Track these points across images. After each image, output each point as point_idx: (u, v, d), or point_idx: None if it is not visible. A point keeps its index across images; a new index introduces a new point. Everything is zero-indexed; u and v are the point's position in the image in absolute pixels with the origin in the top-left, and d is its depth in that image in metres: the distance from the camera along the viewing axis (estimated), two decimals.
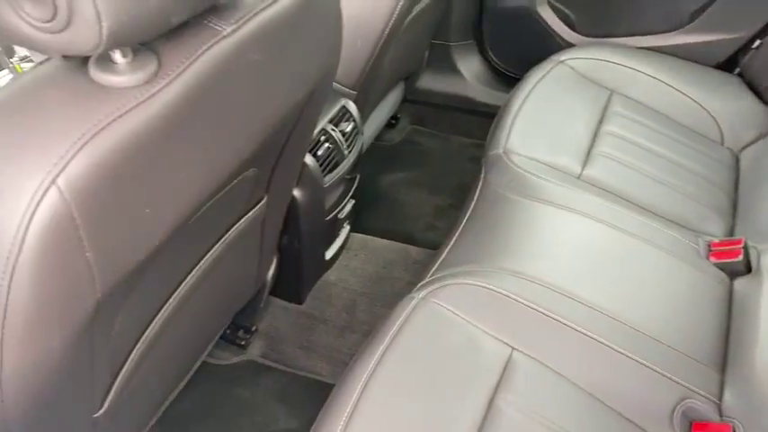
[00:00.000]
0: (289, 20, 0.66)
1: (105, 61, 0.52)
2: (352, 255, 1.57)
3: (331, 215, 1.30)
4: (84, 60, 0.53)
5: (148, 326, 0.80)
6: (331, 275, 1.52)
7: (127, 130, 0.50)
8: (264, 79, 0.66)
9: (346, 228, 1.47)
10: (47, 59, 0.54)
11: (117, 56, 0.52)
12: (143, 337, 0.80)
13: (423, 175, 1.92)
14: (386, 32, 1.20)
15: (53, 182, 0.47)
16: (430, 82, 1.96)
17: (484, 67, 1.94)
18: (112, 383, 0.76)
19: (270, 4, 0.64)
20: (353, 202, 1.41)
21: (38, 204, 0.47)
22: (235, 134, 0.65)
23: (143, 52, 0.54)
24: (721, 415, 0.97)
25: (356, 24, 1.19)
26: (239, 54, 0.60)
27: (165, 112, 0.53)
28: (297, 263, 1.32)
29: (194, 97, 0.56)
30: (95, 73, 0.52)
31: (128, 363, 0.78)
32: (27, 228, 0.47)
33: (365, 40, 1.21)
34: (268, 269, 1.22)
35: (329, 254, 1.42)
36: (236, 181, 0.82)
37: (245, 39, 0.60)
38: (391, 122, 2.02)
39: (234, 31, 0.59)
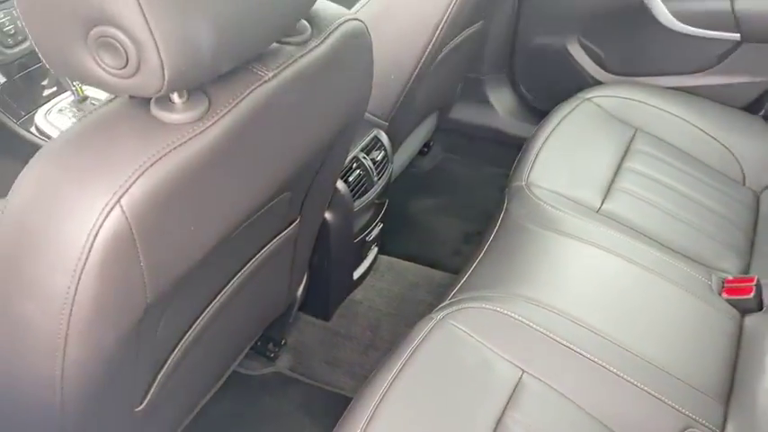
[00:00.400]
0: (323, 66, 0.75)
1: (164, 101, 0.61)
2: (378, 276, 1.64)
3: (359, 237, 1.38)
4: (147, 100, 0.62)
5: (187, 331, 0.89)
6: (358, 295, 1.60)
7: (180, 159, 0.59)
8: (300, 117, 0.74)
9: (374, 250, 1.55)
10: (115, 97, 0.64)
11: (174, 97, 0.61)
12: (182, 342, 0.89)
13: (452, 202, 1.99)
14: (417, 69, 1.29)
15: (117, 202, 0.56)
16: (462, 113, 2.03)
17: (515, 100, 2.01)
18: (153, 382, 0.85)
19: (306, 53, 0.73)
20: (382, 225, 1.49)
21: (104, 221, 0.56)
22: (272, 164, 0.74)
23: (196, 94, 0.63)
24: None
25: (391, 61, 1.28)
26: (278, 96, 0.68)
27: (213, 146, 0.62)
28: (326, 281, 1.40)
29: (238, 133, 0.65)
30: (156, 111, 0.61)
31: (167, 364, 0.86)
32: (93, 240, 0.56)
33: (398, 76, 1.30)
34: (298, 286, 1.30)
35: (357, 274, 1.49)
36: (271, 203, 0.91)
37: (284, 83, 0.69)
38: (424, 150, 2.10)
39: (274, 76, 0.68)
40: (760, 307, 1.21)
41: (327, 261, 1.33)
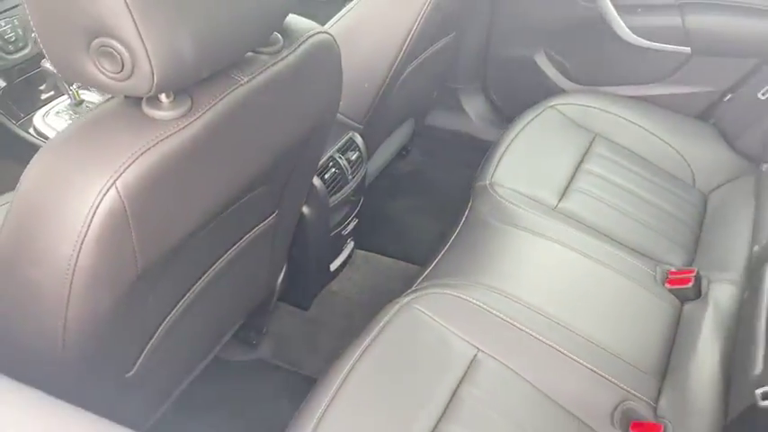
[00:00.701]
0: (293, 73, 0.86)
1: (154, 100, 0.72)
2: (354, 268, 1.75)
3: (335, 231, 1.50)
4: (139, 99, 0.73)
5: (175, 307, 1.00)
6: (334, 285, 1.70)
7: (167, 149, 0.70)
8: (272, 117, 0.86)
9: (350, 244, 1.66)
10: (112, 97, 0.75)
11: (162, 97, 0.72)
12: (169, 316, 0.99)
13: (428, 202, 2.11)
14: (389, 77, 1.40)
15: (113, 185, 0.67)
16: (438, 119, 2.15)
17: (487, 107, 2.13)
18: (142, 351, 0.95)
19: (278, 61, 0.84)
20: (357, 221, 1.60)
21: (102, 199, 0.67)
22: (247, 157, 0.85)
23: (181, 95, 0.74)
24: (656, 416, 1.13)
25: (364, 69, 1.40)
26: (252, 98, 0.80)
27: (195, 138, 0.73)
28: (304, 272, 1.50)
29: (216, 129, 0.76)
30: (146, 109, 0.72)
31: (156, 335, 0.97)
32: (93, 215, 0.67)
33: (371, 83, 1.42)
34: (278, 275, 1.41)
35: (333, 266, 1.60)
36: (250, 195, 1.02)
37: (257, 86, 0.80)
38: (403, 154, 2.21)
39: (249, 80, 0.80)
40: (698, 296, 1.33)
41: (305, 253, 1.44)
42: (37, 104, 1.60)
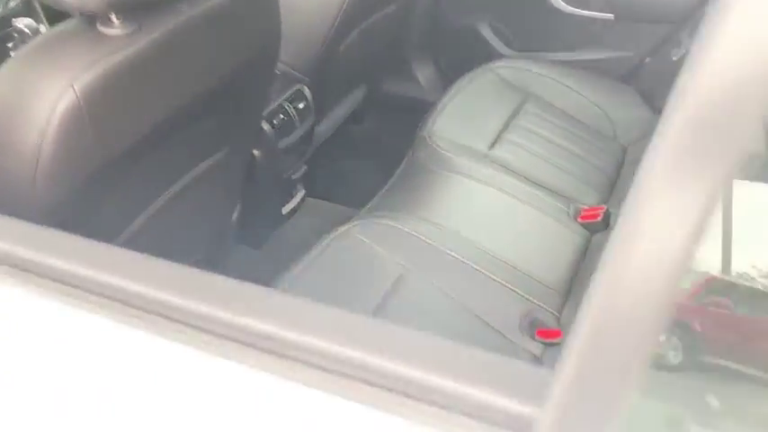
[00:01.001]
0: (230, 7, 1.01)
1: (106, 20, 0.86)
2: (305, 212, 1.88)
3: (286, 174, 1.64)
4: (94, 19, 0.87)
5: (131, 222, 1.13)
6: (287, 227, 1.84)
7: (116, 61, 0.85)
8: (211, 44, 1.00)
9: (302, 191, 1.80)
10: (72, 18, 0.89)
11: (113, 17, 0.86)
12: (126, 230, 1.13)
13: (381, 163, 2.24)
14: (334, 28, 1.55)
15: (71, 86, 0.81)
16: (390, 86, 2.30)
17: (437, 75, 2.28)
18: None
19: None
20: (306, 167, 1.74)
21: (61, 98, 0.81)
22: (189, 76, 0.99)
23: (129, 18, 0.88)
24: (559, 324, 1.29)
25: (309, 19, 1.55)
26: (192, 23, 0.94)
27: (141, 54, 0.87)
28: (257, 212, 1.65)
29: (160, 47, 0.90)
30: (100, 27, 0.86)
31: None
32: (54, 111, 0.81)
33: (317, 32, 1.56)
34: (232, 212, 1.55)
35: (285, 210, 1.74)
36: (200, 124, 1.16)
37: (198, 15, 0.95)
38: (358, 120, 2.36)
39: (190, 9, 0.94)
40: (606, 228, 1.50)
41: (257, 193, 1.58)
42: None
